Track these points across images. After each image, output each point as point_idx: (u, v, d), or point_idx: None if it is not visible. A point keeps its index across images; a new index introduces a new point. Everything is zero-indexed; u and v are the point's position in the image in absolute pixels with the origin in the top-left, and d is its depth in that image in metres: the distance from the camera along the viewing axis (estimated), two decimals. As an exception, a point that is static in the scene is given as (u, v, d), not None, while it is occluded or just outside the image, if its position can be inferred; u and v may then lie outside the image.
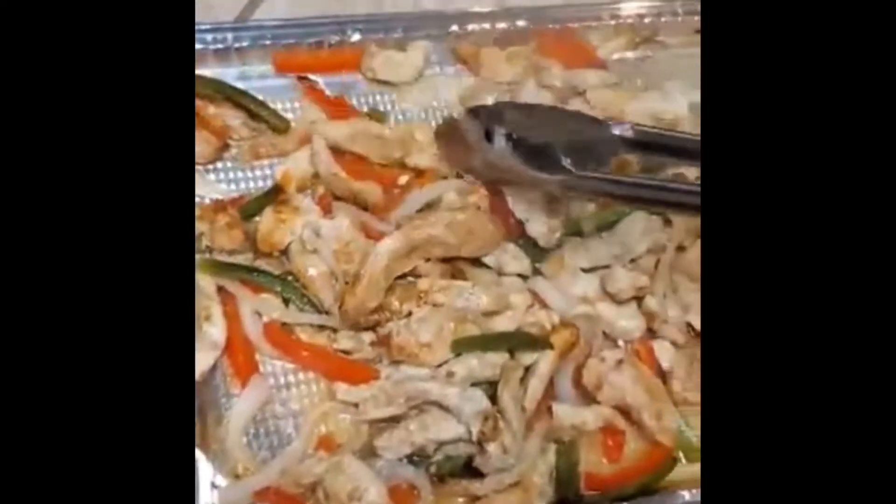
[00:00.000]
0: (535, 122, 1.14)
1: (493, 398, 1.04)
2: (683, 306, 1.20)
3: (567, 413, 1.06)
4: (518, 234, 1.18)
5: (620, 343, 1.17)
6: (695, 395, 1.14)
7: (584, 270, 1.20)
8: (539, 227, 1.16)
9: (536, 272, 1.18)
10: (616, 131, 1.15)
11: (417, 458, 1.02)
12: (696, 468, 1.12)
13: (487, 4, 1.38)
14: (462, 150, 1.14)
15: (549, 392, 1.10)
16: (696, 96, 1.36)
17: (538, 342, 1.09)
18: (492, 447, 0.99)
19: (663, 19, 1.46)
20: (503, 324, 1.12)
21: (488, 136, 1.10)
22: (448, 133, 1.19)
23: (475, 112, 1.15)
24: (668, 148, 1.16)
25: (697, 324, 1.20)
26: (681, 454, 1.12)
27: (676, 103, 1.36)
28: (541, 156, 1.08)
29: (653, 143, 1.16)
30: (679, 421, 1.13)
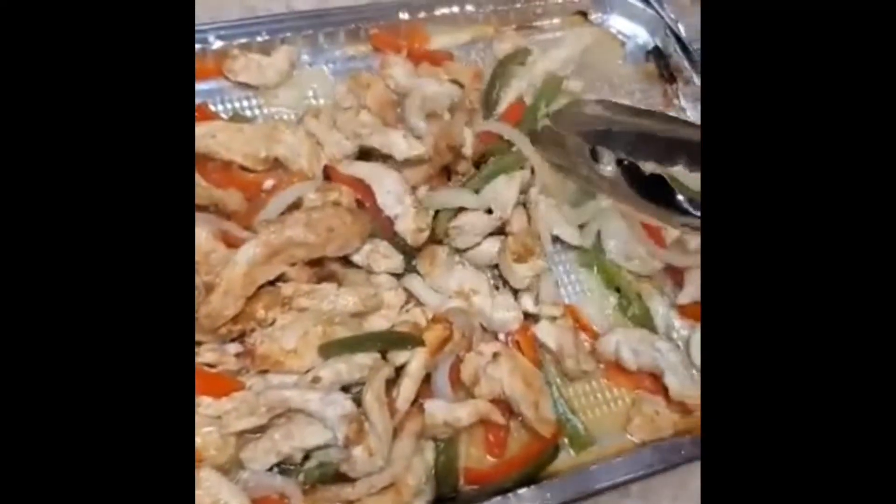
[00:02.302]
0: (644, 148, 1.07)
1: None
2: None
3: (439, 410, 1.04)
4: (389, 231, 1.16)
5: (501, 336, 1.16)
6: (589, 364, 1.13)
7: (460, 251, 1.19)
8: (406, 224, 1.14)
9: (411, 269, 1.16)
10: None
11: (289, 467, 1.00)
12: (580, 456, 1.11)
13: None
14: (565, 158, 1.08)
15: (428, 391, 1.09)
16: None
17: (409, 340, 1.07)
18: (357, 451, 0.97)
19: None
20: (378, 323, 1.10)
21: (594, 155, 1.05)
22: (549, 140, 1.13)
23: (583, 133, 1.09)
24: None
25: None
26: (566, 441, 1.12)
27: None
28: (652, 186, 1.03)
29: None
30: (564, 410, 1.13)
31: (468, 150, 1.19)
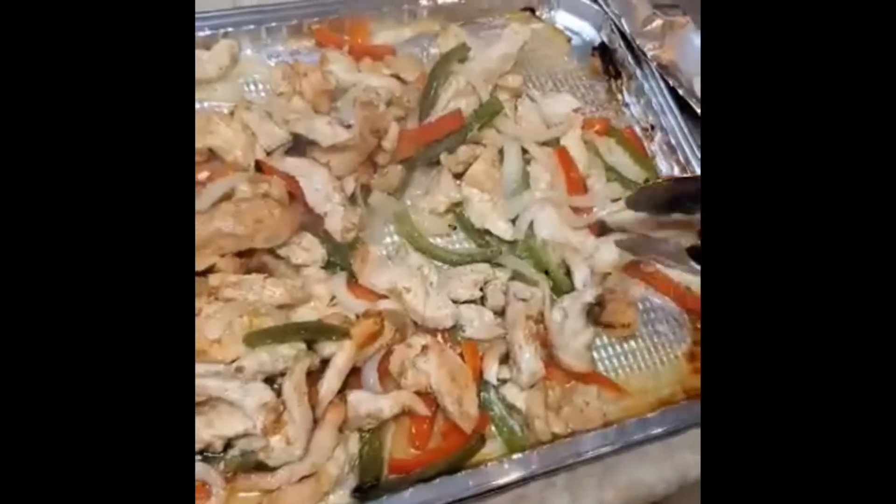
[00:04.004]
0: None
1: (286, 391, 1.02)
2: None
3: (362, 401, 1.05)
4: (321, 226, 1.17)
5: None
6: (558, 426, 1.11)
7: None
8: (335, 222, 1.15)
9: (342, 263, 1.17)
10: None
11: (211, 455, 1.01)
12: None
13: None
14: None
15: (358, 383, 1.09)
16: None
17: (335, 331, 1.07)
18: (275, 440, 0.99)
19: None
20: (306, 315, 1.11)
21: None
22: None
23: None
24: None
25: None
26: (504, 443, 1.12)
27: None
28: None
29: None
30: (501, 412, 1.13)
31: (388, 144, 1.19)
